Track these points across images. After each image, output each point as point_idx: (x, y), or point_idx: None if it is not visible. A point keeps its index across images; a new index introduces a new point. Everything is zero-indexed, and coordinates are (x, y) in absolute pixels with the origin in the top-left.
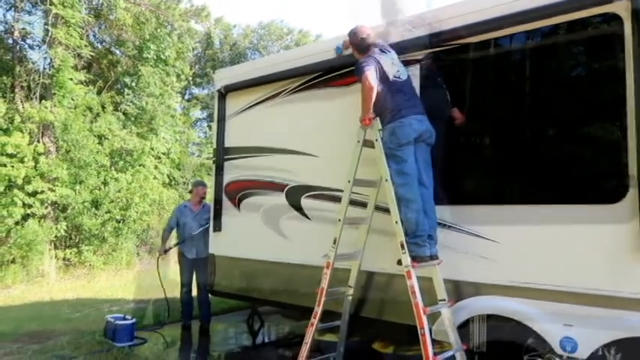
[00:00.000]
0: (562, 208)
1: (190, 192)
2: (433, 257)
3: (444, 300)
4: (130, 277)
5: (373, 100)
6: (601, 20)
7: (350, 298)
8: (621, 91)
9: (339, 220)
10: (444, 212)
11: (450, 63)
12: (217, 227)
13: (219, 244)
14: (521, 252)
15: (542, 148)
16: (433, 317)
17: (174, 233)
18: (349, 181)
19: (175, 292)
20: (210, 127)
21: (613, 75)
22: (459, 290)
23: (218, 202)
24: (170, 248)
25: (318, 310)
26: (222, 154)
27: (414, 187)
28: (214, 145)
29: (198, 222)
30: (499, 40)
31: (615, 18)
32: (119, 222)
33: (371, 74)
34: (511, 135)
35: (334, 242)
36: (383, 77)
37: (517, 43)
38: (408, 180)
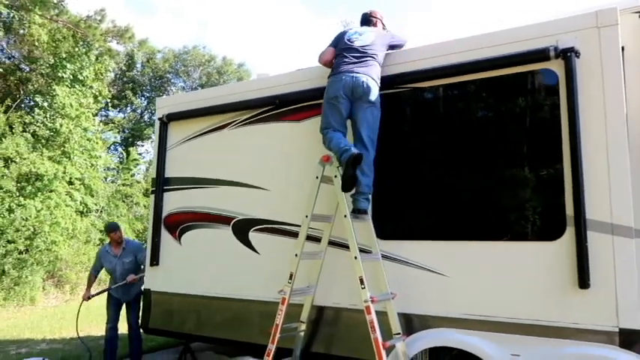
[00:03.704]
0: (509, 245)
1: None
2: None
3: (399, 334)
4: (36, 314)
5: (324, 64)
6: (541, 74)
7: (302, 334)
8: (558, 139)
9: (296, 255)
10: (404, 247)
11: (405, 106)
12: (155, 261)
13: (157, 279)
14: (471, 286)
15: (490, 189)
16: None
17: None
18: (307, 216)
19: (95, 330)
20: (127, 151)
21: (551, 124)
22: (412, 324)
23: (156, 235)
24: (97, 294)
25: (272, 348)
26: (162, 185)
27: (334, 137)
28: (153, 175)
29: (122, 265)
30: (453, 88)
31: (552, 73)
32: (21, 253)
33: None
34: (463, 177)
35: (290, 277)
36: (342, 42)
37: (468, 92)
38: (329, 132)
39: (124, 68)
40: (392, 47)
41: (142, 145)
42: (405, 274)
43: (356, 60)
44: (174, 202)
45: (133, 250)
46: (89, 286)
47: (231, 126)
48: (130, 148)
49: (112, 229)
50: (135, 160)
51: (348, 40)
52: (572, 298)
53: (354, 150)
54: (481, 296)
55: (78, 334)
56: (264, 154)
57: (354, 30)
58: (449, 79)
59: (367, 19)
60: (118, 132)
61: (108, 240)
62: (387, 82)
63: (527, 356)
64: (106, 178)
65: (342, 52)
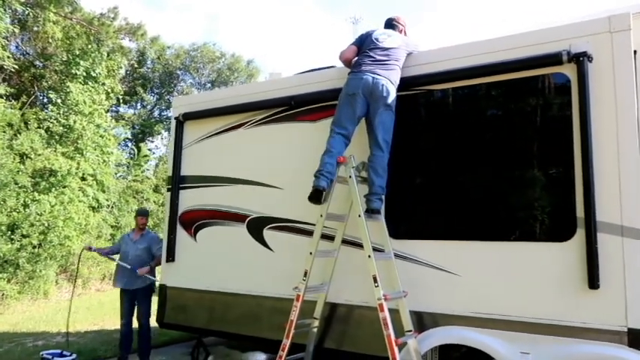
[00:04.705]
0: (520, 245)
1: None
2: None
3: (411, 331)
4: (50, 307)
5: (344, 61)
6: (553, 78)
7: (315, 330)
8: (569, 142)
9: (311, 253)
10: (416, 246)
11: (419, 108)
12: (170, 257)
13: (172, 275)
14: (482, 285)
15: (501, 190)
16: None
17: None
18: (321, 216)
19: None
20: (138, 147)
21: (563, 127)
22: (423, 321)
23: (172, 232)
24: (95, 250)
25: (287, 343)
26: (178, 183)
27: (336, 140)
28: (169, 173)
29: (135, 250)
30: (467, 90)
31: (565, 77)
32: (35, 247)
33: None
34: (475, 178)
35: (305, 275)
36: (368, 40)
37: (481, 95)
38: (332, 133)
39: (135, 65)
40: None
41: (152, 142)
42: (417, 273)
43: (380, 61)
44: (190, 199)
45: (149, 239)
46: (101, 249)
47: (247, 125)
48: (141, 144)
49: (141, 213)
50: (146, 156)
51: (376, 39)
52: (581, 298)
53: (320, 184)
54: (492, 295)
55: (76, 279)
56: (279, 154)
57: (381, 31)
58: (463, 81)
59: (392, 25)
60: (129, 128)
61: (131, 227)
62: (402, 84)
63: (536, 354)
64: (116, 174)
65: (367, 50)
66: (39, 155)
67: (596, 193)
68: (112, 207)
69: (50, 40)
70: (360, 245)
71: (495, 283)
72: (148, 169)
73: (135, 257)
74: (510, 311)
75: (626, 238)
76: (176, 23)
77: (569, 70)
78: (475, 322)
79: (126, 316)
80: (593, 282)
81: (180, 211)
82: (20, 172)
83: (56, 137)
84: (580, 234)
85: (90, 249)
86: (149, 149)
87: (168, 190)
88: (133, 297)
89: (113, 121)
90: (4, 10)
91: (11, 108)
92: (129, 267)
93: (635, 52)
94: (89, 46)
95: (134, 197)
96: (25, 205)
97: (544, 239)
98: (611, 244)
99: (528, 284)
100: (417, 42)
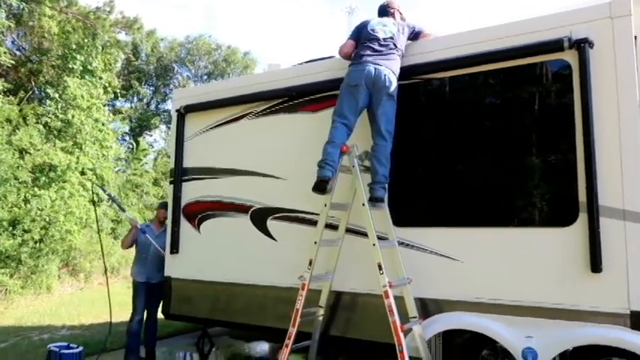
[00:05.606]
0: (523, 231)
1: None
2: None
3: (415, 317)
4: (53, 301)
5: (343, 56)
6: (555, 65)
7: (320, 318)
8: (571, 128)
9: (315, 242)
10: (419, 234)
11: (421, 96)
12: (175, 249)
13: (177, 267)
14: (485, 270)
15: (503, 177)
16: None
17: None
18: (325, 205)
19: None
20: (136, 141)
21: (565, 113)
22: (427, 308)
23: (175, 224)
24: (108, 193)
25: (293, 331)
26: (181, 175)
27: (339, 131)
28: (171, 166)
29: (158, 244)
30: (469, 78)
31: (566, 63)
32: (37, 242)
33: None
34: (477, 165)
35: (310, 264)
36: (365, 32)
37: (484, 82)
38: (335, 123)
39: (131, 58)
40: (415, 37)
41: (151, 135)
42: (421, 260)
43: (379, 51)
44: (193, 191)
45: None
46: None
47: (249, 117)
48: (139, 138)
49: (162, 205)
50: (144, 150)
51: (372, 30)
52: (584, 282)
53: (325, 174)
54: (495, 280)
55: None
56: (281, 144)
57: (376, 20)
58: (465, 69)
59: (385, 11)
60: (126, 122)
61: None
62: (403, 73)
63: (540, 337)
64: (115, 168)
65: (365, 42)
66: (38, 150)
67: (598, 177)
68: (112, 201)
69: (46, 35)
70: (363, 234)
71: (498, 269)
72: (146, 163)
73: (156, 250)
74: (514, 296)
75: (628, 221)
76: (174, 17)
77: (570, 57)
78: (479, 308)
79: (140, 312)
80: (596, 266)
81: (183, 203)
82: (20, 168)
83: (55, 132)
84: (582, 218)
85: (102, 189)
86: (148, 143)
87: (171, 182)
88: (151, 291)
89: (111, 115)
90: (0, 5)
91: (9, 104)
92: (138, 225)
93: (635, 37)
94: (85, 41)
95: (133, 191)
96: (26, 201)
97: (547, 224)
98: (614, 228)
99: (531, 269)
100: (414, 22)
